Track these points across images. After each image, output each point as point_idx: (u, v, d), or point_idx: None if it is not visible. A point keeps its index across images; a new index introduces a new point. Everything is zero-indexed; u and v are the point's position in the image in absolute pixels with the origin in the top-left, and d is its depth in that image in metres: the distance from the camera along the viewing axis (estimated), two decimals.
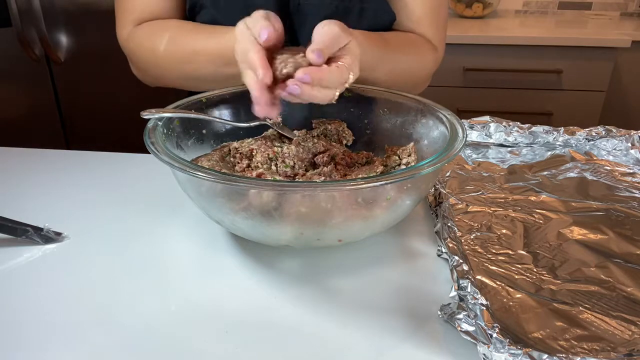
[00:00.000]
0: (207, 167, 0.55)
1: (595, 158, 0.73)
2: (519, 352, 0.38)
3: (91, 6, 1.55)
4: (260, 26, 0.50)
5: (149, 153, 0.49)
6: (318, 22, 0.64)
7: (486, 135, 0.79)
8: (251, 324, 0.45)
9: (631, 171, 0.70)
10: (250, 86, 0.49)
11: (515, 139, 0.77)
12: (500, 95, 1.82)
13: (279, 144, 0.61)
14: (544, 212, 0.60)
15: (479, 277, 0.49)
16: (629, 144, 0.74)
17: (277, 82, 0.49)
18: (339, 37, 0.50)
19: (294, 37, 0.72)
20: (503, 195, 0.64)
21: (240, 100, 0.66)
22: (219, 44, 0.65)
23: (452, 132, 0.53)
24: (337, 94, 0.50)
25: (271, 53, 0.50)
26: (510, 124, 0.79)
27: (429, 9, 0.75)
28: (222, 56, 0.65)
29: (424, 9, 0.75)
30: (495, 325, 0.40)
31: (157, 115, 0.55)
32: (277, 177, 0.55)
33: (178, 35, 0.69)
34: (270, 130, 0.65)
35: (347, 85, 0.51)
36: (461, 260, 0.48)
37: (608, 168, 0.70)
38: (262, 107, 0.48)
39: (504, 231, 0.56)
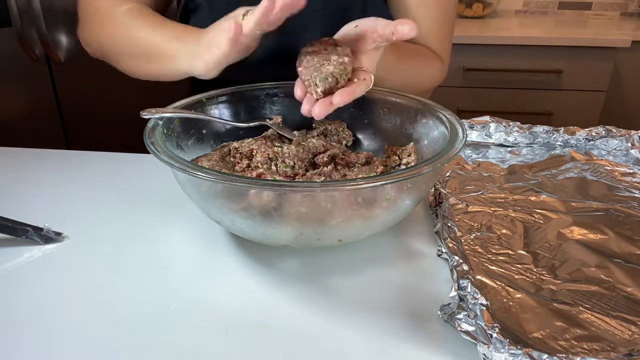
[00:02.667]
0: (207, 167, 0.55)
1: (595, 158, 0.73)
2: (519, 352, 0.38)
3: None
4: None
5: (149, 153, 0.49)
6: (317, 31, 0.64)
7: (486, 135, 0.79)
8: (251, 324, 0.45)
9: (631, 171, 0.70)
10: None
11: (515, 139, 0.77)
12: (500, 95, 1.82)
13: (279, 144, 0.61)
14: (544, 212, 0.60)
15: (479, 277, 0.49)
16: (629, 144, 0.74)
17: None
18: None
19: (293, 46, 0.71)
20: (503, 195, 0.64)
21: (240, 100, 0.66)
22: (174, 25, 0.63)
23: (452, 132, 0.53)
24: None
25: None
26: (510, 124, 0.79)
27: (436, 23, 0.76)
28: (152, 48, 0.63)
29: (432, 23, 0.76)
30: (495, 325, 0.40)
31: (157, 115, 0.55)
32: (277, 177, 0.55)
33: (139, 14, 0.67)
34: (270, 130, 0.65)
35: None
36: (461, 260, 0.48)
37: (608, 168, 0.70)
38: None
39: (504, 231, 0.56)
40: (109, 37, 0.69)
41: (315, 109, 0.50)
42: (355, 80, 0.52)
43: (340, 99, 0.50)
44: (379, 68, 0.57)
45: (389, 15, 0.75)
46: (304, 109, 0.52)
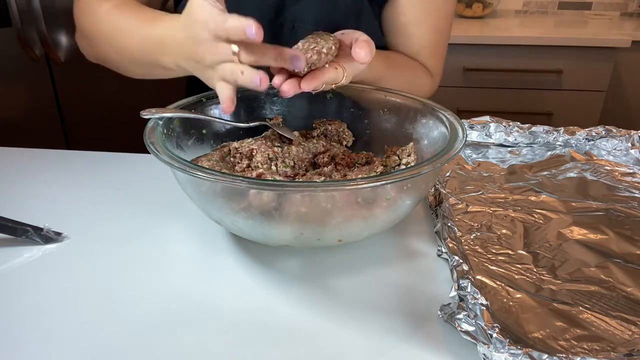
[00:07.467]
0: (207, 167, 0.55)
1: (595, 158, 0.73)
2: (519, 352, 0.38)
3: None
4: (241, 23, 0.45)
5: (149, 153, 0.49)
6: None
7: (486, 135, 0.79)
8: (251, 324, 0.45)
9: (631, 171, 0.70)
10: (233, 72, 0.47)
11: (515, 139, 0.77)
12: (500, 95, 1.82)
13: (279, 144, 0.61)
14: (544, 212, 0.60)
15: (479, 277, 0.49)
16: (629, 144, 0.74)
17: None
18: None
19: None
20: (503, 195, 0.64)
21: (240, 101, 0.66)
22: (150, 30, 0.59)
23: (452, 132, 0.53)
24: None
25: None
26: (510, 124, 0.79)
27: (429, 42, 0.76)
28: (148, 43, 0.59)
29: (424, 41, 0.76)
30: (495, 325, 0.40)
31: (157, 115, 0.55)
32: (277, 177, 0.55)
33: (121, 6, 0.65)
34: (270, 130, 0.65)
35: (334, 87, 0.55)
36: (461, 260, 0.48)
37: (608, 168, 0.70)
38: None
39: (504, 231, 0.56)
40: (100, 42, 0.67)
41: (285, 86, 0.51)
42: (326, 66, 0.54)
43: (307, 84, 0.51)
44: (368, 75, 0.60)
45: (380, 34, 0.76)
46: (275, 82, 0.52)
